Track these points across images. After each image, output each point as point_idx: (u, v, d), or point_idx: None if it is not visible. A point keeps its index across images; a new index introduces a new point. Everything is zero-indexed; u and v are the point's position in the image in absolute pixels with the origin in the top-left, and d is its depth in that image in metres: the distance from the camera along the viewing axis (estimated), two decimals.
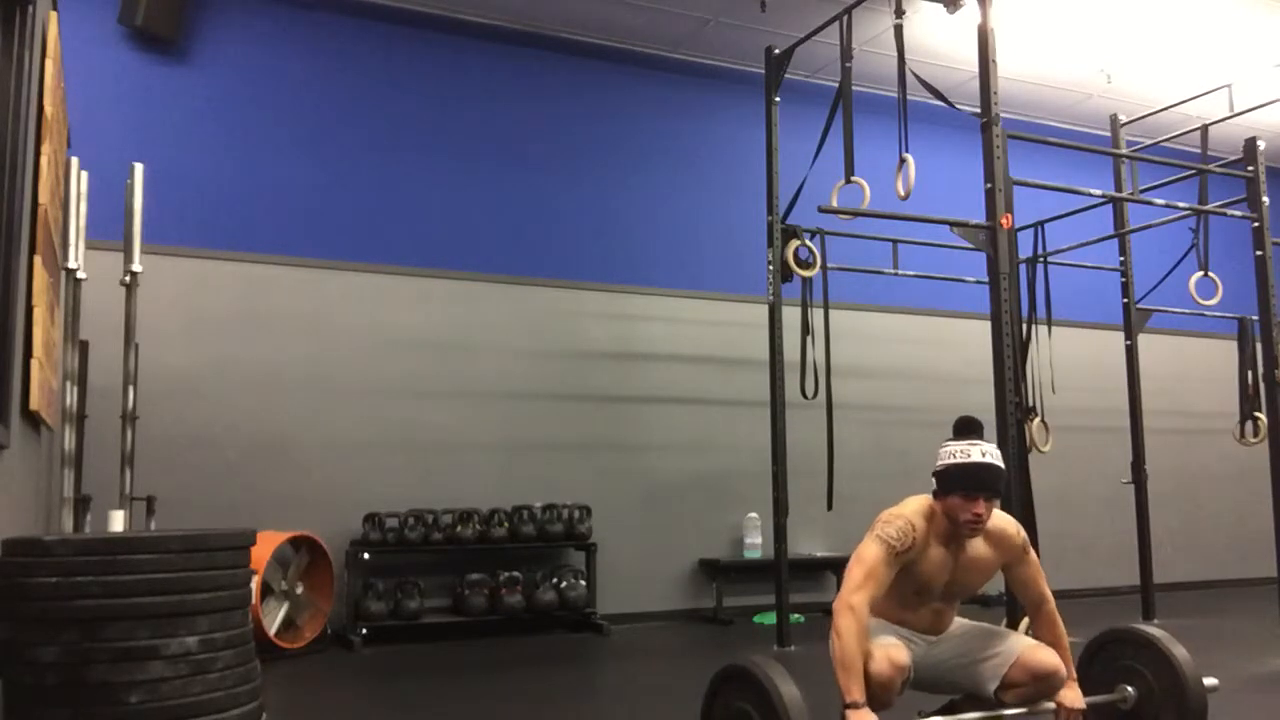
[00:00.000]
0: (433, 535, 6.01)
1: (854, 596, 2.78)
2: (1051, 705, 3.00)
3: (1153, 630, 3.21)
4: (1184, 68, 7.39)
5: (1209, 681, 3.08)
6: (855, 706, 2.66)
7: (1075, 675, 3.09)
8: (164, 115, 6.01)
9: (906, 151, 4.76)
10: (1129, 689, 3.12)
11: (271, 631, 5.24)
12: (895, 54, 4.86)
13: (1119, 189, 6.63)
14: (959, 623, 3.15)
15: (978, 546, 3.03)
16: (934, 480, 2.99)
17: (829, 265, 5.69)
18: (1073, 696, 3.02)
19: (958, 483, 2.92)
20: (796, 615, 5.88)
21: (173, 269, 5.72)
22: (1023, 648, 3.02)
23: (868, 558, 2.86)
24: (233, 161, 6.15)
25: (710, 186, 7.33)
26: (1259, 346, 5.90)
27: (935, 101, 4.82)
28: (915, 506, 3.00)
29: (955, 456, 2.95)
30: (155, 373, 5.25)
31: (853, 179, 4.87)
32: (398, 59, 6.66)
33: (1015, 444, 4.35)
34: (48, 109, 3.26)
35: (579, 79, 7.14)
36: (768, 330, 5.72)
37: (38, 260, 3.13)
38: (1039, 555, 4.09)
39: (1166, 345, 7.95)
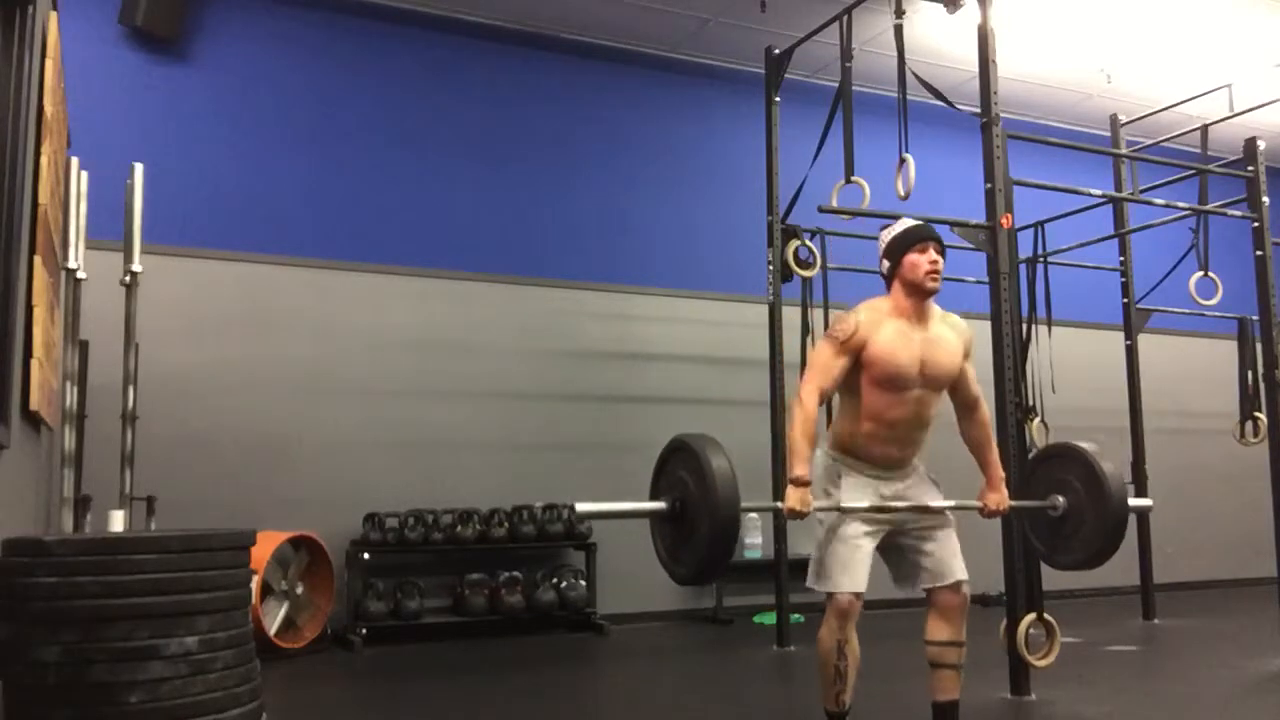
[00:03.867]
0: (433, 535, 6.01)
1: (804, 389, 3.09)
2: (979, 504, 3.29)
3: (1085, 446, 3.48)
4: (1184, 68, 7.39)
5: (1140, 502, 3.64)
6: (797, 482, 2.99)
7: (1003, 476, 3.35)
8: (164, 115, 6.01)
9: (906, 151, 4.75)
10: (1059, 498, 3.46)
11: (271, 631, 5.24)
12: (895, 54, 4.86)
13: (1119, 189, 6.63)
14: (920, 483, 3.21)
15: (939, 327, 3.20)
16: (885, 262, 3.22)
17: (829, 265, 5.68)
18: (997, 499, 3.30)
19: (906, 242, 3.17)
20: (796, 615, 5.88)
21: (173, 269, 5.72)
22: (940, 586, 3.17)
23: (816, 356, 3.17)
24: (233, 161, 6.15)
25: (710, 186, 7.33)
26: (1259, 346, 5.89)
27: (935, 101, 4.81)
28: (863, 304, 3.24)
29: (894, 229, 3.25)
30: (155, 373, 5.24)
31: (853, 179, 4.87)
32: (398, 59, 6.66)
33: (1015, 444, 4.34)
34: (48, 109, 3.26)
35: (579, 79, 7.13)
36: (768, 330, 5.72)
37: (38, 260, 3.13)
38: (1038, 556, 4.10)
39: (1166, 345, 7.94)
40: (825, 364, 3.10)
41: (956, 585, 3.17)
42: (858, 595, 3.08)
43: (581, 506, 3.00)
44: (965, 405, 3.30)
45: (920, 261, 3.13)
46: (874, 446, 3.14)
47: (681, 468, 2.97)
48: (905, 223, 3.27)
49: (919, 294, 3.16)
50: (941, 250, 3.20)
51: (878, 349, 3.09)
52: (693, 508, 2.90)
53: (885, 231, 3.27)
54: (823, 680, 3.18)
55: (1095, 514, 3.37)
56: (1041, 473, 3.61)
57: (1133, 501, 3.48)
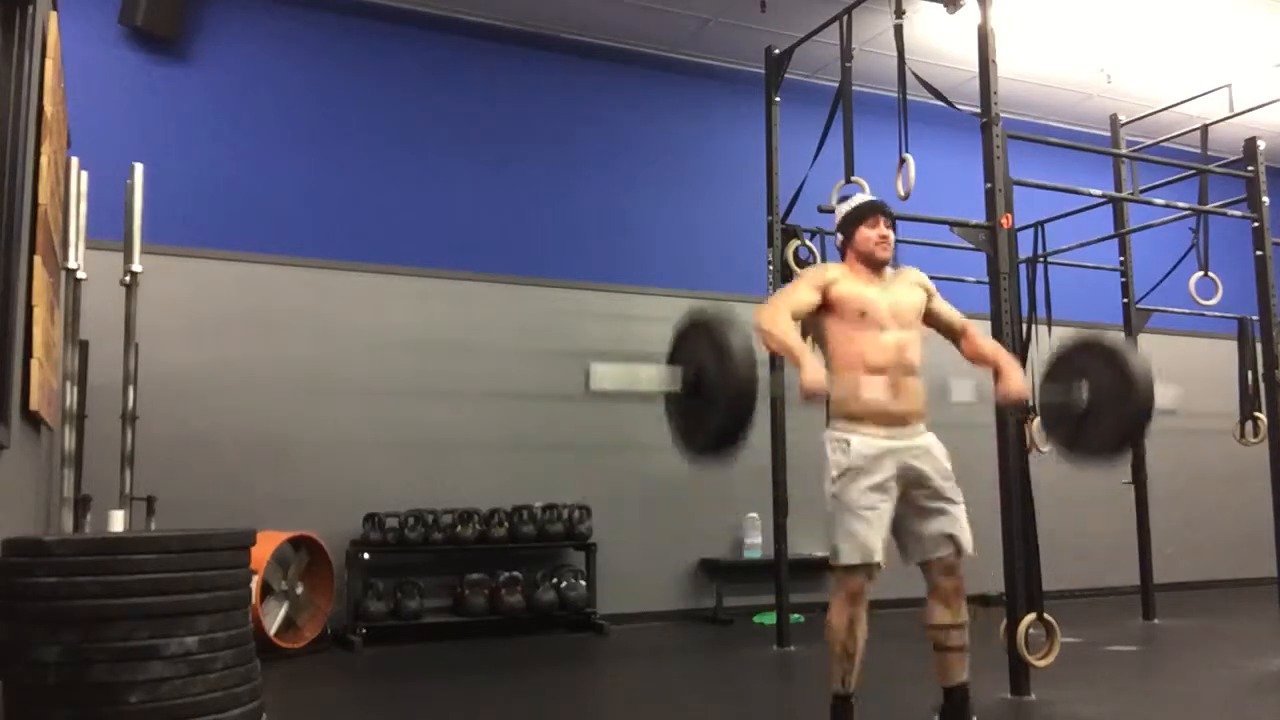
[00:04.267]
0: (433, 535, 6.01)
1: (771, 306, 3.21)
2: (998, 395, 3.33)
3: (1114, 339, 3.45)
4: (1184, 68, 7.39)
5: (1170, 393, 3.37)
6: (800, 360, 3.02)
7: (1014, 358, 3.43)
8: (164, 115, 6.01)
9: (906, 151, 4.76)
10: (1083, 383, 3.34)
11: (271, 631, 5.24)
12: (895, 54, 4.86)
13: (1119, 189, 6.62)
14: (931, 449, 3.23)
15: (897, 281, 3.35)
16: (839, 236, 3.38)
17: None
18: (1014, 380, 3.30)
19: (857, 216, 3.34)
20: (796, 615, 5.88)
21: (173, 269, 5.72)
22: (938, 557, 3.19)
23: (785, 290, 3.37)
24: (233, 161, 6.15)
25: (710, 186, 7.33)
26: (1259, 346, 5.89)
27: (935, 101, 4.81)
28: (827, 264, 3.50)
29: (848, 204, 3.42)
30: (155, 373, 5.24)
31: (853, 179, 4.87)
32: (398, 59, 6.66)
33: (1015, 444, 4.34)
34: (48, 109, 3.26)
35: (579, 79, 7.14)
36: None
37: (38, 260, 3.13)
38: (1039, 556, 4.12)
39: (1166, 345, 7.91)
40: (793, 290, 3.29)
41: (952, 564, 3.17)
42: (869, 571, 3.07)
43: (597, 372, 3.02)
44: (954, 329, 3.44)
45: (870, 235, 3.31)
46: (869, 397, 3.15)
47: (698, 344, 2.99)
48: (859, 197, 3.47)
49: (871, 263, 3.32)
50: (892, 223, 3.36)
51: (844, 290, 3.24)
52: (709, 381, 2.90)
53: (839, 206, 3.46)
54: (830, 659, 3.18)
55: (1115, 410, 3.28)
56: (1064, 365, 3.54)
57: (1161, 391, 3.29)
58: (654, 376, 3.08)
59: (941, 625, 3.22)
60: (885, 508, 3.12)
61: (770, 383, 3.19)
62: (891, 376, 3.17)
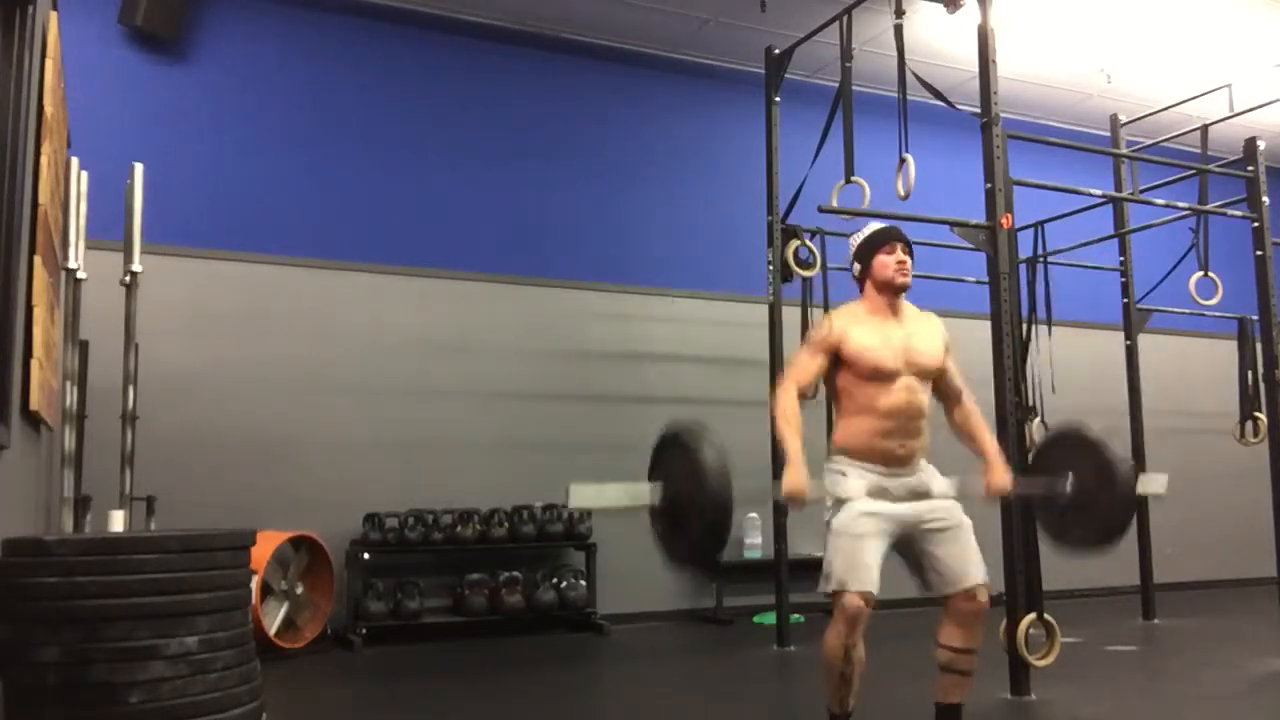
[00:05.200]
0: (433, 535, 6.01)
1: (779, 386, 3.24)
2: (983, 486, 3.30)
3: (1093, 433, 3.46)
4: (1184, 68, 7.39)
5: (1156, 482, 3.53)
6: (790, 463, 3.05)
7: (1000, 452, 3.38)
8: (164, 115, 6.01)
9: (906, 151, 4.75)
10: (1067, 475, 3.39)
11: (271, 631, 5.24)
12: (895, 54, 4.86)
13: (1119, 189, 6.62)
14: (929, 480, 3.21)
15: (915, 321, 3.30)
16: (856, 265, 3.32)
17: (829, 265, 5.68)
18: (999, 476, 3.29)
19: (874, 244, 3.29)
20: (796, 615, 5.88)
21: (173, 269, 5.72)
22: (956, 593, 3.16)
23: (793, 359, 3.38)
24: (232, 161, 6.15)
25: (710, 186, 7.32)
26: (1259, 346, 5.89)
27: (935, 101, 4.81)
28: (837, 309, 3.46)
29: (862, 233, 3.36)
30: (155, 373, 5.24)
31: (853, 179, 4.87)
32: (398, 59, 6.66)
33: (1015, 444, 4.34)
34: (48, 109, 3.26)
35: (579, 79, 7.13)
36: (768, 330, 5.71)
37: (38, 260, 3.13)
38: (1039, 556, 4.12)
39: (1166, 345, 7.94)
40: (801, 363, 3.26)
41: (971, 592, 3.13)
42: (865, 599, 3.03)
43: (575, 492, 3.02)
44: (950, 396, 3.37)
45: (888, 261, 3.25)
46: (875, 442, 3.14)
47: (674, 461, 3.01)
48: (872, 226, 3.40)
49: (890, 291, 3.26)
50: (909, 249, 3.31)
51: (857, 345, 3.18)
52: (685, 503, 2.93)
53: (854, 237, 3.39)
54: (827, 683, 3.17)
55: (1104, 494, 3.32)
56: (1047, 458, 3.59)
57: (1145, 483, 3.40)
58: (633, 494, 3.08)
59: (953, 648, 3.18)
60: (881, 540, 3.09)
61: (773, 488, 3.21)
62: (901, 421, 3.15)
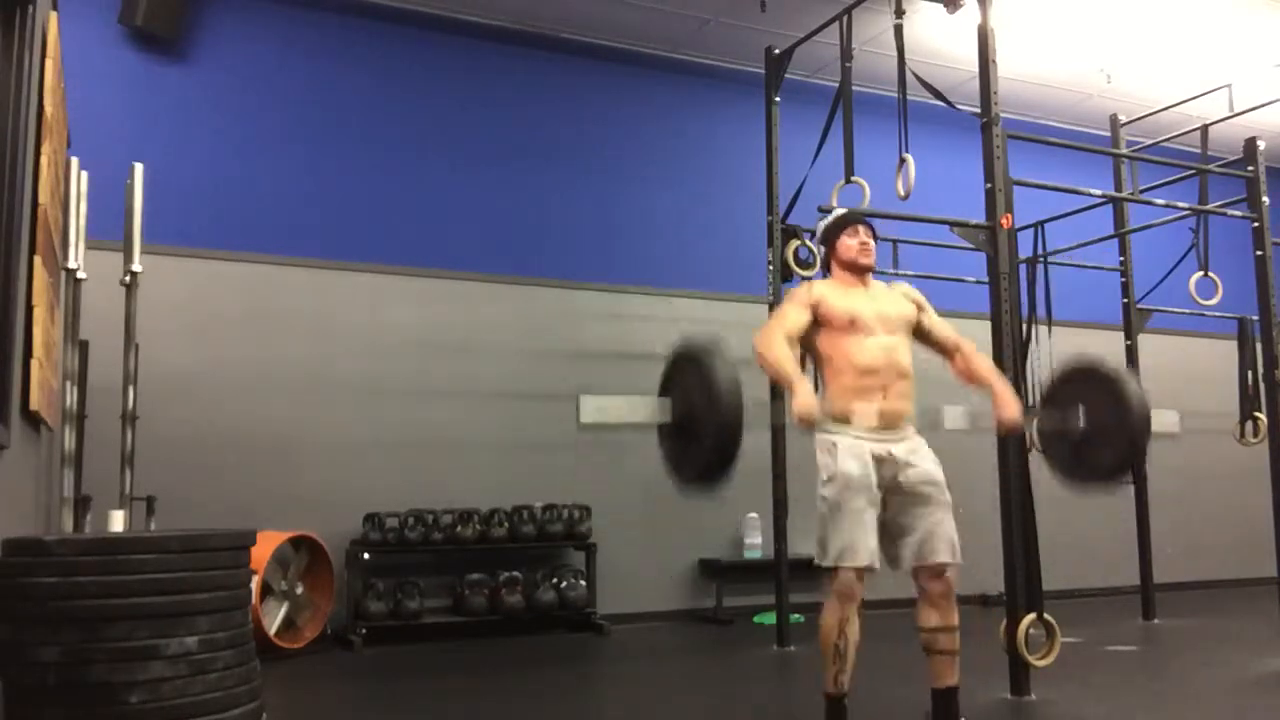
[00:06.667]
0: (433, 535, 6.01)
1: (766, 331, 3.29)
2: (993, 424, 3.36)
3: (1110, 365, 3.46)
4: (1184, 68, 7.39)
5: (1169, 418, 3.53)
6: (793, 386, 3.08)
7: (1008, 386, 3.42)
8: (164, 115, 6.01)
9: (906, 151, 4.76)
10: (1079, 410, 3.39)
11: (271, 631, 5.24)
12: (895, 54, 4.86)
13: (1119, 189, 6.62)
14: (919, 451, 3.25)
15: (883, 291, 3.42)
16: (822, 248, 3.49)
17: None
18: (1009, 410, 3.32)
19: (837, 227, 3.45)
20: (796, 615, 5.88)
21: (173, 269, 5.72)
22: (923, 565, 3.20)
23: (777, 313, 3.41)
24: (233, 161, 6.15)
25: (710, 186, 7.32)
26: (1259, 346, 5.89)
27: (935, 101, 4.81)
28: (814, 281, 3.58)
29: (826, 219, 3.53)
30: (155, 373, 5.24)
31: (853, 179, 4.87)
32: (397, 59, 6.66)
33: (1015, 444, 4.34)
34: (48, 109, 3.26)
35: (579, 79, 7.13)
36: None
37: (38, 260, 3.13)
38: (1039, 556, 4.12)
39: (1166, 345, 7.93)
40: (785, 312, 3.33)
41: (939, 569, 3.18)
42: (859, 574, 3.09)
43: (586, 403, 3.06)
44: (946, 345, 3.46)
45: (851, 244, 3.40)
46: (860, 399, 3.19)
47: (685, 376, 3.06)
48: (838, 211, 3.58)
49: (855, 270, 3.40)
50: (871, 232, 3.45)
51: (832, 303, 3.30)
52: (696, 418, 2.95)
53: (820, 222, 3.56)
54: (823, 660, 3.21)
55: (1118, 427, 3.31)
56: (1064, 391, 3.57)
57: (1158, 418, 3.36)
58: (644, 408, 3.14)
59: (931, 628, 3.23)
60: (874, 510, 3.14)
61: (770, 411, 3.24)
62: (883, 378, 3.22)
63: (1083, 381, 3.48)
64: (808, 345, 3.33)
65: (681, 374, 3.08)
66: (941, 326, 3.47)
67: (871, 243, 3.42)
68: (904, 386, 3.26)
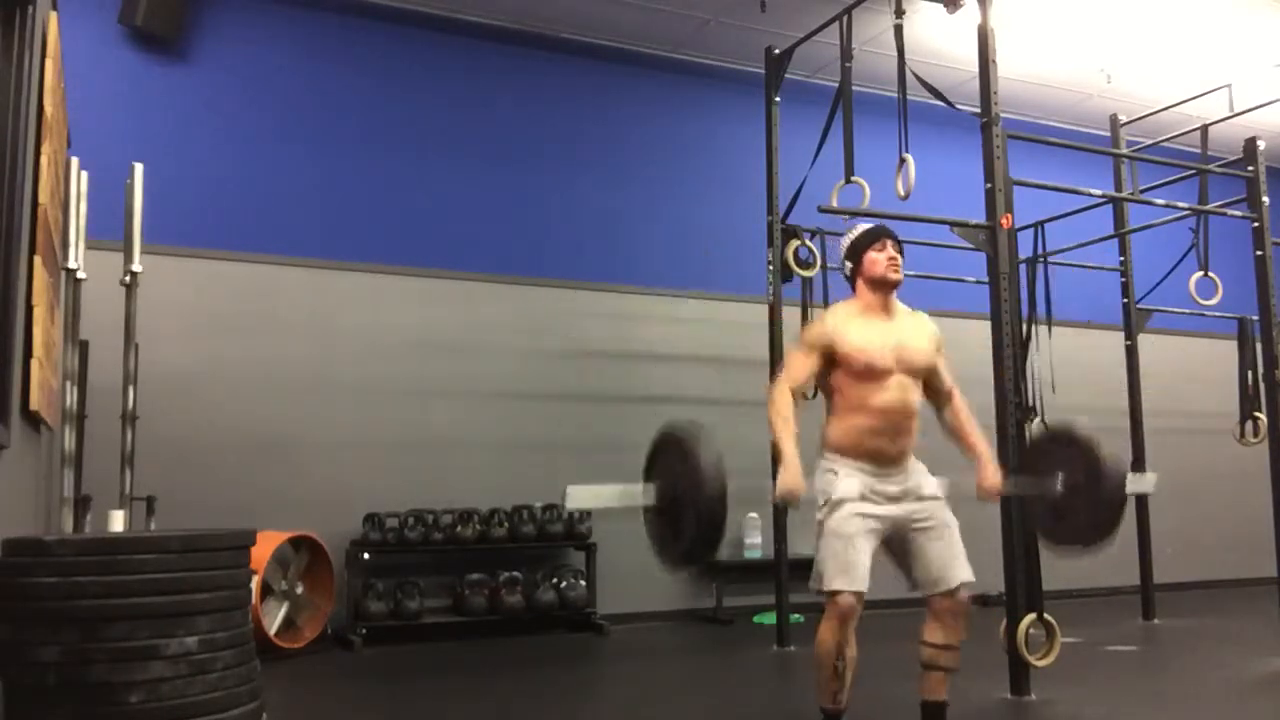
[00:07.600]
0: (433, 535, 6.01)
1: (776, 385, 3.25)
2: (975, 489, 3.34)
3: (1083, 432, 3.48)
4: (1184, 68, 7.39)
5: (1145, 481, 3.58)
6: (785, 462, 3.09)
7: (991, 455, 3.41)
8: (164, 115, 6.01)
9: (906, 151, 4.75)
10: (1058, 475, 3.42)
11: (271, 631, 5.24)
12: (895, 54, 4.86)
13: (1119, 189, 6.62)
14: (919, 480, 3.24)
15: (906, 319, 3.34)
16: (848, 264, 3.37)
17: (829, 265, 5.67)
18: (990, 478, 3.33)
19: (864, 242, 3.34)
20: (796, 615, 5.88)
21: (173, 269, 5.72)
22: (937, 593, 3.19)
23: (789, 357, 3.40)
24: (233, 161, 6.15)
25: (710, 186, 7.32)
26: (1259, 346, 5.89)
27: (935, 101, 4.81)
28: (830, 308, 3.55)
29: (852, 233, 3.41)
30: (155, 373, 5.24)
31: (853, 179, 4.87)
32: (397, 59, 6.66)
33: (1015, 444, 4.34)
34: (48, 109, 3.26)
35: (579, 79, 7.13)
36: (768, 330, 5.71)
37: (38, 260, 3.13)
38: (1039, 556, 4.12)
39: (1166, 345, 7.93)
40: (795, 362, 3.29)
41: (953, 591, 3.17)
42: (857, 596, 3.08)
43: (572, 493, 3.04)
44: (940, 395, 3.40)
45: (879, 258, 3.29)
46: (866, 440, 3.18)
47: (670, 461, 3.05)
48: (862, 226, 3.45)
49: (882, 287, 3.31)
50: (899, 247, 3.36)
51: (850, 344, 3.21)
52: (680, 504, 2.96)
53: (844, 237, 3.44)
54: (819, 679, 3.21)
55: (1093, 493, 3.36)
56: (1038, 457, 3.63)
57: (1134, 482, 3.44)
58: (629, 495, 3.11)
59: (935, 644, 3.23)
60: (871, 539, 3.13)
61: (770, 489, 3.24)
62: (892, 419, 3.19)
63: (1057, 447, 3.54)
64: (820, 378, 3.31)
65: (665, 459, 3.07)
66: (944, 373, 3.39)
67: (900, 259, 3.33)
68: (911, 424, 3.23)
